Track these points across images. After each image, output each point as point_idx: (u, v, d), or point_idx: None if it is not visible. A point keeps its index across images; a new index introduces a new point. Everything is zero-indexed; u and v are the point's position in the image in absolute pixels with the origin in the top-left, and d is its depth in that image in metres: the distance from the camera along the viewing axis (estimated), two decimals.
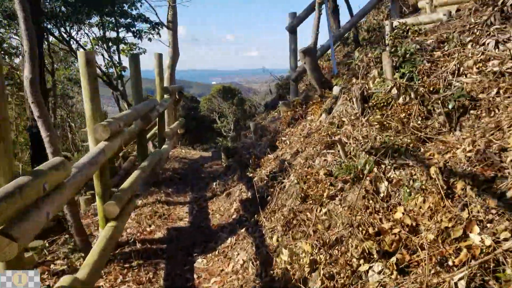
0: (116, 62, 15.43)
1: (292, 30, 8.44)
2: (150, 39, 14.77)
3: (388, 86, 4.53)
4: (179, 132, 10.26)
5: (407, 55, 4.62)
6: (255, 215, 4.85)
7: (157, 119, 7.56)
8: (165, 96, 8.50)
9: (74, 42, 13.09)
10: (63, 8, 11.80)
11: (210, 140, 38.74)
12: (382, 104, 4.54)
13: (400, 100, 4.19)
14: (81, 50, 10.86)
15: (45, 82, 10.72)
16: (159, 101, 7.67)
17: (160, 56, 8.46)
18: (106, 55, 14.69)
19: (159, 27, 14.13)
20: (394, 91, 4.25)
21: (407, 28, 5.64)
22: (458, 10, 6.63)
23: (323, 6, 6.71)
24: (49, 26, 12.06)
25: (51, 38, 13.75)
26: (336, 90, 5.50)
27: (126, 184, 4.85)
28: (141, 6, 14.72)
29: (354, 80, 5.27)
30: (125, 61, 14.82)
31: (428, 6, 7.83)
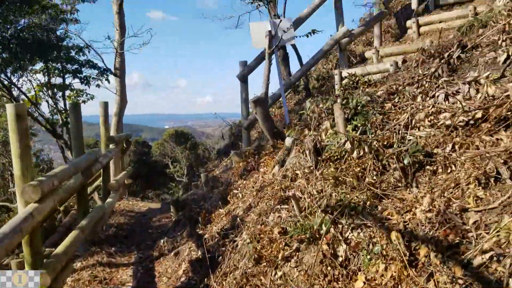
0: (61, 109, 14.81)
1: (243, 79, 8.34)
2: (98, 85, 14.30)
3: (341, 139, 4.39)
4: (127, 183, 9.72)
5: (359, 107, 4.54)
6: (205, 279, 4.44)
7: (101, 170, 7.09)
8: (111, 146, 8.04)
9: (16, 89, 12.41)
10: (3, 54, 11.22)
11: (162, 185, 37.76)
12: (336, 157, 4.38)
13: (354, 154, 4.04)
14: (12, 103, 10.29)
15: None
16: (103, 152, 7.22)
17: (105, 105, 8.07)
18: (50, 102, 14.07)
19: (108, 73, 13.75)
20: (348, 145, 4.10)
21: (357, 79, 5.63)
22: (404, 61, 6.77)
23: (273, 55, 6.65)
24: None
25: None
26: (288, 141, 5.33)
27: (60, 248, 4.33)
28: (89, 52, 14.30)
29: (306, 132, 5.12)
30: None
31: (375, 57, 8.01)
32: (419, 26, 8.24)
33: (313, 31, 7.17)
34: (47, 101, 14.34)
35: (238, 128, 12.36)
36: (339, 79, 7.49)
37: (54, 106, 14.28)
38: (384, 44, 8.78)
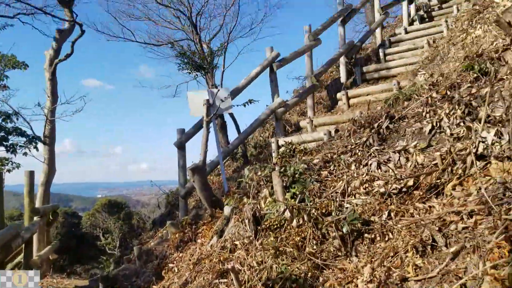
0: None
1: (181, 146, 8.23)
2: (25, 154, 13.50)
3: (280, 207, 4.34)
4: (51, 258, 8.92)
5: (297, 175, 4.56)
6: None
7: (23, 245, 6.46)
8: (35, 218, 7.42)
9: None
10: None
11: (92, 259, 35.25)
12: (275, 226, 4.29)
13: (294, 223, 3.98)
14: None
15: None
16: (26, 225, 6.63)
17: (31, 174, 7.56)
18: None
19: (37, 141, 13.06)
20: (287, 213, 4.05)
21: (293, 147, 5.73)
22: (337, 130, 7.03)
23: (211, 124, 6.66)
24: None
25: None
26: (227, 210, 5.19)
27: None
28: (17, 119, 13.61)
29: (245, 200, 5.03)
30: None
31: (309, 126, 8.29)
32: (348, 98, 8.73)
33: (250, 101, 7.34)
34: None
35: (175, 196, 12.03)
36: (276, 147, 7.60)
37: None
38: (317, 114, 9.16)
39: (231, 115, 9.75)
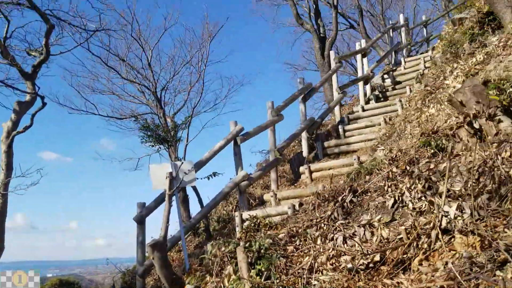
0: None
1: (141, 221, 7.91)
2: None
3: (245, 286, 4.14)
4: None
5: (262, 251, 4.42)
6: None
7: None
8: None
9: None
10: None
11: None
12: None
13: None
14: None
15: None
16: None
17: None
18: None
19: None
20: None
21: (258, 221, 5.62)
22: (301, 204, 7.00)
23: (174, 197, 6.49)
24: None
25: None
26: None
27: None
28: None
29: (208, 278, 4.79)
30: None
31: (273, 199, 8.23)
32: (311, 172, 8.83)
33: (214, 174, 7.26)
34: None
35: (132, 275, 11.38)
36: (239, 221, 7.44)
37: None
38: (280, 188, 9.15)
39: (194, 188, 9.61)
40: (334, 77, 11.71)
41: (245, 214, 7.34)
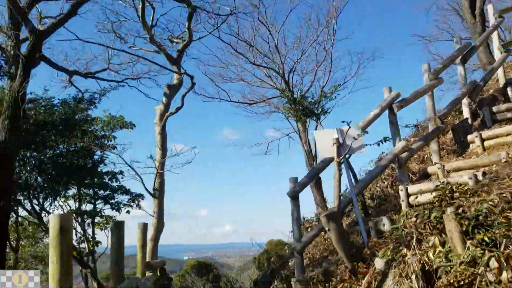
0: (89, 237, 13.90)
1: (294, 196, 7.45)
2: (128, 212, 13.54)
3: (466, 256, 3.31)
4: None
5: (480, 217, 3.54)
6: None
7: None
8: (147, 273, 6.90)
9: (46, 214, 11.67)
10: (38, 179, 10.70)
11: None
12: (461, 283, 3.25)
13: (504, 276, 2.93)
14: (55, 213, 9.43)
15: (3, 259, 9.02)
16: (141, 280, 6.09)
17: (144, 226, 7.16)
18: (79, 229, 13.20)
19: (139, 199, 13.07)
20: (494, 263, 3.02)
21: (451, 187, 4.71)
22: (484, 173, 5.87)
23: (343, 164, 5.85)
24: (19, 197, 10.76)
25: (21, 211, 12.36)
26: (379, 263, 4.21)
27: None
28: (122, 178, 13.85)
29: (405, 251, 4.04)
30: (99, 236, 13.39)
31: (440, 172, 7.17)
32: (483, 140, 7.53)
33: (385, 139, 6.48)
34: (74, 229, 13.51)
35: (279, 255, 11.16)
36: (405, 195, 6.56)
37: (82, 234, 13.40)
38: (444, 160, 8.01)
39: (347, 160, 8.88)
40: (494, 35, 10.04)
41: (412, 188, 6.45)
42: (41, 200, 11.43)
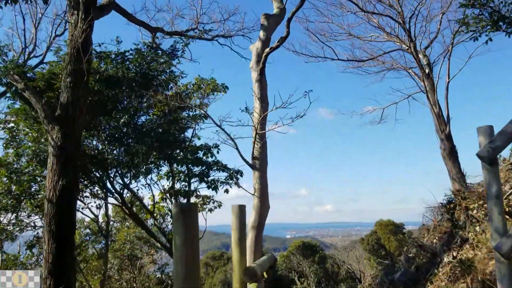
0: None
1: (492, 161, 4.21)
2: (227, 191, 11.21)
3: None
4: None
5: None
6: None
7: None
8: (249, 285, 4.22)
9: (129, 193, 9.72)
10: (119, 149, 8.68)
11: None
12: None
13: None
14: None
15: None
16: None
17: (241, 210, 4.50)
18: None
19: (238, 175, 10.69)
20: None
21: None
22: None
23: None
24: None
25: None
26: None
27: None
28: (218, 152, 11.51)
29: None
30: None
31: None
32: None
33: None
34: (169, 211, 11.54)
35: (421, 245, 7.96)
36: None
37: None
38: None
39: None
40: None
41: None
42: (126, 180, 9.47)
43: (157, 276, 19.51)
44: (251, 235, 5.52)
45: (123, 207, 8.95)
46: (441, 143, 13.70)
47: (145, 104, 8.66)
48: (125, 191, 9.19)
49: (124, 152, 7.93)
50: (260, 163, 5.77)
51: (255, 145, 5.69)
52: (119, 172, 8.70)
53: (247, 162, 5.69)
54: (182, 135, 10.10)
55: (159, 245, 9.65)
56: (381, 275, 10.27)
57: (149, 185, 10.02)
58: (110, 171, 8.49)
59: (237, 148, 5.83)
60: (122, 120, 7.50)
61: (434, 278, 6.75)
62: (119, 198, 8.99)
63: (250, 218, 5.68)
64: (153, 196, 10.12)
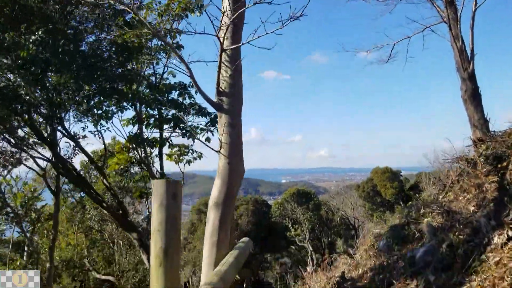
0: (157, 172, 9.77)
1: None
2: (208, 139, 8.97)
3: None
4: None
5: None
6: None
7: None
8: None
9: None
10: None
11: (282, 249, 31.58)
12: None
13: None
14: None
15: None
16: None
17: (169, 187, 2.23)
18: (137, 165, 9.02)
19: None
20: None
21: None
22: None
23: None
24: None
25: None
26: None
27: None
28: (196, 93, 9.15)
29: None
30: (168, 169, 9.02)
31: None
32: None
33: None
34: (140, 162, 9.31)
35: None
36: None
37: (146, 169, 9.21)
38: None
39: None
40: None
41: None
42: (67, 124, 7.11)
43: (141, 227, 17.82)
44: (213, 216, 3.35)
45: (59, 164, 6.64)
46: (462, 83, 11.21)
47: (91, 23, 6.16)
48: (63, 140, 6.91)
49: (40, 87, 5.50)
50: (229, 102, 3.48)
51: (222, 72, 3.39)
52: (47, 113, 6.34)
53: (208, 100, 3.42)
54: (144, 69, 7.66)
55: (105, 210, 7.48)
56: (387, 237, 8.15)
57: (99, 131, 7.69)
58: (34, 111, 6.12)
59: (191, 76, 3.43)
60: (34, 37, 4.97)
61: (480, 266, 4.61)
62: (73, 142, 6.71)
63: (213, 189, 3.47)
64: (105, 146, 7.81)
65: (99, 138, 7.64)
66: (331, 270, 11.05)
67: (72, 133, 6.82)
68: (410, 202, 11.70)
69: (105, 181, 7.21)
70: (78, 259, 15.96)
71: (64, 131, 6.69)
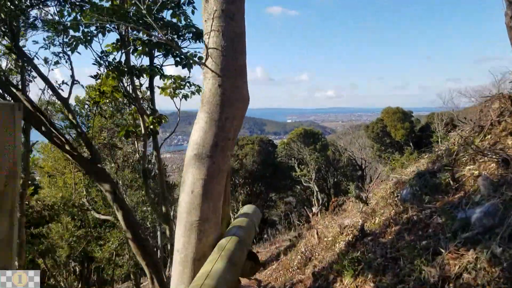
0: (148, 108, 8.34)
1: None
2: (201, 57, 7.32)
3: None
4: None
5: None
6: None
7: None
8: None
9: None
10: None
11: (287, 188, 30.89)
12: None
13: None
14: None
15: None
16: None
17: None
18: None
19: None
20: None
21: None
22: None
23: None
24: None
25: None
26: None
27: None
28: (193, 12, 7.40)
29: None
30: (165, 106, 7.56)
31: None
32: None
33: None
34: (126, 95, 7.77)
35: None
36: None
37: (135, 104, 7.74)
38: None
39: None
40: None
41: None
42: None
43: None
44: (193, 178, 1.92)
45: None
46: (507, 7, 9.21)
47: None
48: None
49: None
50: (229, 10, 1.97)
51: None
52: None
53: None
54: None
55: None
56: (412, 184, 6.70)
57: (65, 53, 6.02)
58: None
59: None
60: None
61: None
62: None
63: (193, 131, 1.95)
64: (73, 77, 6.18)
65: (66, 61, 6.04)
66: (340, 214, 9.87)
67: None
68: (436, 144, 10.17)
69: (70, 115, 5.73)
70: (77, 199, 15.04)
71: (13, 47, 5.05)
